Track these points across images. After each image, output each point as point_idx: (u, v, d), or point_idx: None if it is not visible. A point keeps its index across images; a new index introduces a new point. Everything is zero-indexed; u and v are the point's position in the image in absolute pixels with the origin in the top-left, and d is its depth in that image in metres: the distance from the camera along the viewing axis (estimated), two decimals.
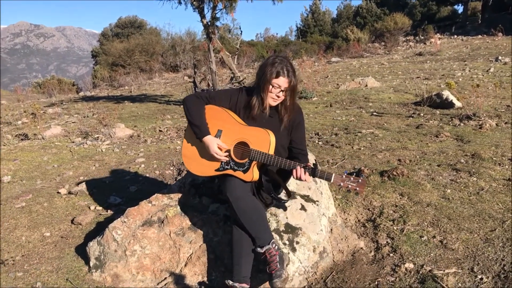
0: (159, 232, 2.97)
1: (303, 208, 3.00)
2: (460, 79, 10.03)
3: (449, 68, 12.24)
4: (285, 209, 2.94)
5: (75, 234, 3.61)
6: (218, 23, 11.69)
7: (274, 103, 2.63)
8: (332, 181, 2.44)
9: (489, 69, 11.03)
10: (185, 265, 2.83)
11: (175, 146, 6.55)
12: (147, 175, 5.09)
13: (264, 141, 2.52)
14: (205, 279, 2.75)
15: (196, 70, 13.10)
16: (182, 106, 2.83)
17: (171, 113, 10.12)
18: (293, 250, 2.74)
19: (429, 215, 3.29)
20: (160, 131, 7.91)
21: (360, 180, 2.41)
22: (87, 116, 10.25)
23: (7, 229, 3.70)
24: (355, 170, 4.36)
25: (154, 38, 27.56)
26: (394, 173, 4.01)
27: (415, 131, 5.87)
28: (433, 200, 3.53)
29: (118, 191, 4.58)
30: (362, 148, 5.25)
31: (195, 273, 2.79)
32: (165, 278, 2.83)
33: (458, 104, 7.19)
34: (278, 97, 2.60)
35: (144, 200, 3.21)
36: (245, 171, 2.55)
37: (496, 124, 5.82)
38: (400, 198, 3.65)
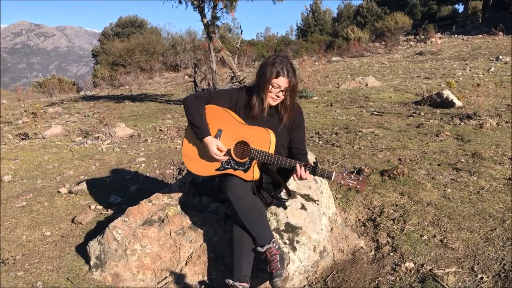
0: (160, 231, 2.97)
1: (303, 207, 3.00)
2: (461, 79, 10.03)
3: (449, 68, 12.23)
4: (285, 208, 2.94)
5: (76, 234, 3.62)
6: (218, 23, 11.71)
7: (274, 103, 2.63)
8: (332, 179, 2.44)
9: (490, 68, 11.02)
10: (186, 264, 2.84)
11: (175, 146, 6.55)
12: (148, 175, 5.10)
13: (264, 140, 2.53)
14: (206, 278, 2.75)
15: (196, 69, 13.10)
16: (182, 105, 2.83)
17: (171, 113, 10.13)
18: (294, 249, 2.74)
19: (429, 214, 3.29)
20: (160, 130, 7.91)
21: (360, 178, 2.41)
22: (88, 116, 10.25)
23: (8, 228, 3.70)
24: (355, 169, 4.35)
25: (154, 37, 27.57)
26: (395, 172, 4.01)
27: (415, 131, 5.87)
28: (433, 199, 3.53)
29: (119, 190, 4.58)
30: (362, 148, 5.25)
31: (196, 272, 2.79)
32: (166, 277, 2.83)
33: (458, 103, 7.18)
34: (278, 97, 2.60)
35: (145, 200, 3.21)
36: (245, 170, 2.55)
37: (497, 124, 5.82)
38: (401, 197, 3.65)
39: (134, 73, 22.10)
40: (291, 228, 2.84)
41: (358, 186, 2.41)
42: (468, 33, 22.78)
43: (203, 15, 11.29)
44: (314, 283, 2.72)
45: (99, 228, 3.55)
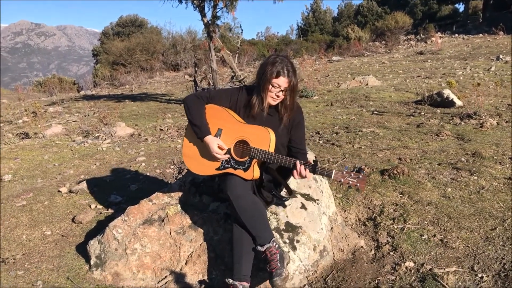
0: (160, 231, 2.97)
1: (303, 206, 3.00)
2: (461, 78, 10.02)
3: (450, 67, 12.22)
4: (285, 207, 2.94)
5: (76, 233, 3.62)
6: (218, 22, 11.71)
7: (274, 103, 2.63)
8: (332, 177, 2.44)
9: (490, 68, 11.01)
10: (186, 264, 2.84)
11: (175, 145, 6.55)
12: (148, 174, 5.10)
13: (264, 139, 2.53)
14: (206, 277, 2.76)
15: (196, 69, 13.10)
16: (182, 105, 2.84)
17: (171, 112, 10.13)
18: (294, 248, 2.74)
19: (429, 213, 3.29)
20: (160, 129, 7.91)
21: (360, 176, 2.41)
22: (88, 115, 10.25)
23: (8, 228, 3.71)
24: (355, 168, 4.36)
25: (155, 37, 27.57)
26: (395, 171, 4.01)
27: (415, 130, 5.86)
28: (433, 198, 3.53)
29: (119, 189, 4.58)
30: (362, 147, 5.24)
31: (196, 272, 2.79)
32: (166, 277, 2.83)
33: (459, 103, 7.18)
34: (278, 96, 2.60)
35: (145, 199, 3.21)
36: (245, 170, 2.55)
37: (497, 123, 5.81)
38: (401, 196, 3.65)
39: (134, 72, 22.11)
40: (291, 228, 2.84)
41: (358, 184, 2.41)
42: (468, 32, 22.76)
43: (203, 15, 11.29)
44: (314, 282, 2.72)
45: (99, 228, 3.55)
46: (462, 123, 6.05)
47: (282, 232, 2.80)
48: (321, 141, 5.80)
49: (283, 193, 2.91)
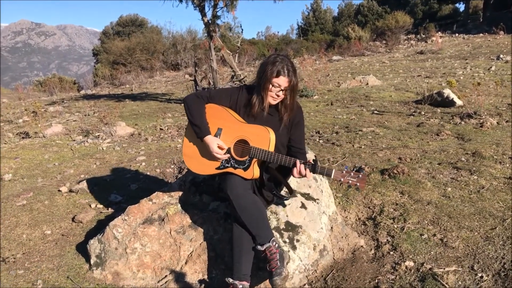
0: (160, 230, 2.97)
1: (303, 206, 3.01)
2: (461, 78, 10.01)
3: (450, 67, 12.22)
4: (284, 206, 2.94)
5: (76, 232, 3.62)
6: (219, 22, 11.71)
7: (274, 102, 2.63)
8: (332, 176, 2.44)
9: (491, 67, 11.01)
10: (186, 263, 2.84)
11: (175, 145, 6.55)
12: (148, 173, 5.10)
13: (264, 139, 2.53)
14: (206, 277, 2.76)
15: (197, 68, 13.10)
16: (182, 104, 2.84)
17: (172, 112, 10.13)
18: (294, 248, 2.74)
19: (429, 213, 3.29)
20: (161, 129, 7.91)
21: (360, 175, 2.41)
22: (88, 115, 10.26)
23: (8, 227, 3.71)
24: (355, 168, 4.36)
25: (155, 36, 27.57)
26: (395, 171, 4.01)
27: (416, 130, 5.86)
28: (433, 198, 3.53)
29: (119, 189, 4.59)
30: (362, 147, 5.24)
31: (196, 271, 2.80)
32: (166, 276, 2.83)
33: (459, 102, 7.18)
34: (278, 96, 2.60)
35: (145, 198, 3.21)
36: (245, 169, 2.55)
37: (497, 123, 5.81)
38: (401, 196, 3.65)
39: (134, 72, 22.12)
40: (291, 227, 2.84)
41: (358, 184, 2.41)
42: (469, 32, 22.74)
43: (203, 14, 11.29)
44: (314, 282, 2.72)
45: (100, 227, 3.55)
46: (462, 122, 6.05)
47: (282, 231, 2.80)
48: (321, 141, 5.80)
49: (284, 192, 2.91)
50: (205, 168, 2.72)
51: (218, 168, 2.65)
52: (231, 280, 2.42)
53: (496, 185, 3.65)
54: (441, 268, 2.60)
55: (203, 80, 12.63)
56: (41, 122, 8.27)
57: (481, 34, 20.88)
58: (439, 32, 23.45)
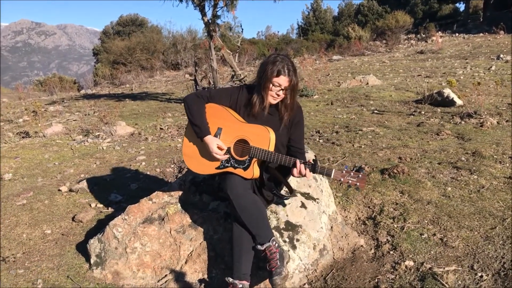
0: (160, 230, 2.97)
1: (303, 205, 3.01)
2: (462, 77, 10.01)
3: (450, 66, 12.21)
4: (284, 205, 2.94)
5: (76, 232, 3.62)
6: (219, 21, 11.71)
7: (274, 102, 2.63)
8: (332, 176, 2.44)
9: (491, 67, 11.01)
10: (186, 263, 2.84)
11: (176, 144, 6.55)
12: (148, 173, 5.10)
13: (264, 138, 2.53)
14: (206, 276, 2.76)
15: (197, 68, 13.10)
16: (183, 104, 2.84)
17: (172, 111, 10.13)
18: (293, 247, 2.74)
19: (429, 213, 3.29)
20: (161, 129, 7.91)
21: (360, 175, 2.41)
22: (88, 114, 10.26)
23: (8, 227, 3.71)
24: (355, 168, 4.36)
25: (155, 36, 27.56)
26: (395, 171, 4.01)
27: (416, 129, 5.86)
28: (433, 198, 3.53)
29: (119, 188, 4.59)
30: (363, 146, 5.24)
31: (196, 271, 2.80)
32: (166, 276, 2.83)
33: (459, 102, 7.18)
34: (278, 95, 2.60)
35: (145, 198, 3.22)
36: (245, 169, 2.55)
37: (497, 122, 5.81)
38: (401, 196, 3.65)
39: (134, 71, 22.12)
40: (291, 227, 2.84)
41: (358, 184, 2.41)
42: (469, 31, 22.74)
43: (203, 14, 11.29)
44: (314, 281, 2.72)
45: (100, 226, 3.55)
46: (462, 122, 6.05)
47: (282, 231, 2.81)
48: (321, 140, 5.80)
49: (284, 192, 2.91)
50: (205, 167, 2.72)
51: (218, 168, 2.65)
52: (231, 279, 2.42)
53: (496, 185, 3.65)
54: (441, 268, 2.60)
55: (203, 79, 12.63)
56: (41, 122, 8.27)
57: (481, 34, 20.87)
58: (439, 32, 23.45)
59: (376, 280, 2.61)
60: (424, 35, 22.75)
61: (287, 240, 2.76)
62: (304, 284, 2.70)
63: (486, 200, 3.39)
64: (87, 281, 2.87)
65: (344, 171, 2.44)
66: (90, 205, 4.19)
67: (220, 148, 2.61)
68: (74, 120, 9.43)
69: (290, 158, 2.51)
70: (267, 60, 2.62)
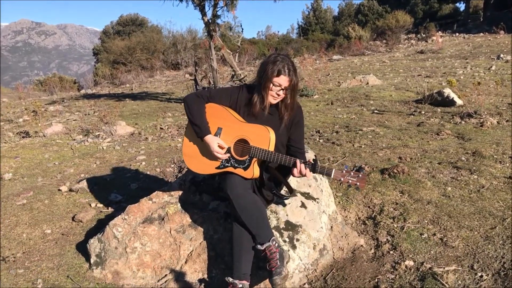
0: (160, 229, 2.97)
1: (303, 205, 3.01)
2: (462, 77, 10.01)
3: (450, 66, 12.21)
4: (284, 205, 2.94)
5: (76, 231, 3.62)
6: (219, 21, 11.70)
7: (274, 101, 2.63)
8: (332, 176, 2.44)
9: (491, 67, 11.00)
10: (186, 262, 2.84)
11: (176, 144, 6.55)
12: (148, 173, 5.10)
13: (264, 138, 2.53)
14: (206, 276, 2.76)
15: (197, 68, 13.10)
16: (183, 104, 2.84)
17: (172, 111, 10.13)
18: (293, 247, 2.74)
19: (429, 212, 3.29)
20: (161, 128, 7.91)
21: (360, 175, 2.41)
22: (88, 114, 10.26)
23: (8, 226, 3.71)
24: (355, 167, 4.36)
25: (155, 35, 27.57)
26: (395, 170, 4.01)
27: (416, 129, 5.86)
28: (433, 197, 3.53)
29: (119, 188, 4.59)
30: (363, 146, 5.24)
31: (196, 270, 2.80)
32: (166, 275, 2.83)
33: (459, 102, 7.18)
34: (279, 95, 2.60)
35: (145, 198, 3.22)
36: (245, 168, 2.55)
37: (497, 122, 5.81)
38: (401, 195, 3.65)
39: (135, 71, 22.12)
40: (291, 226, 2.84)
41: (358, 183, 2.41)
42: (469, 31, 22.74)
43: (203, 14, 11.29)
44: (314, 281, 2.72)
45: (100, 226, 3.55)
46: (463, 122, 6.05)
47: (282, 230, 2.80)
48: (321, 140, 5.79)
49: (283, 191, 2.91)
50: (205, 167, 2.72)
51: (218, 168, 2.65)
52: (231, 279, 2.42)
53: (496, 185, 3.65)
54: (441, 268, 2.60)
55: (203, 79, 12.63)
56: (41, 122, 8.27)
57: (481, 34, 20.88)
58: (440, 32, 23.46)
59: (376, 280, 2.61)
60: (424, 35, 22.75)
61: (287, 240, 2.76)
62: (304, 284, 2.70)
63: (486, 200, 3.39)
64: (87, 281, 2.87)
65: (344, 171, 2.44)
66: (90, 205, 4.19)
67: (221, 147, 2.61)
68: (74, 120, 9.43)
69: (290, 158, 2.51)
70: (268, 60, 2.61)
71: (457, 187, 3.69)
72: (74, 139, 7.22)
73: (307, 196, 3.12)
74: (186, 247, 2.89)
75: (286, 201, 2.95)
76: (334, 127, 6.58)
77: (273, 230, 2.67)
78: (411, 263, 2.71)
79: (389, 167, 4.16)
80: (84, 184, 4.63)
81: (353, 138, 5.63)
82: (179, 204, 3.09)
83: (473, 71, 10.86)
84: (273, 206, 2.93)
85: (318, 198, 3.15)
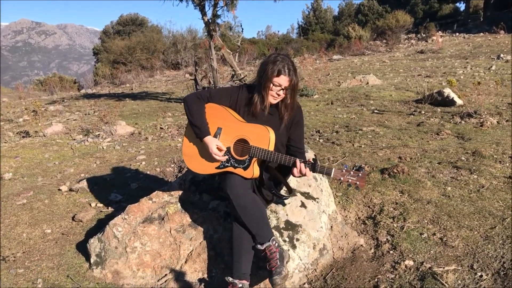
0: (160, 229, 2.97)
1: (303, 205, 3.01)
2: (462, 77, 10.01)
3: (450, 66, 12.21)
4: (284, 205, 2.94)
5: (76, 231, 3.62)
6: (219, 21, 11.71)
7: (274, 101, 2.63)
8: (332, 175, 2.44)
9: (491, 67, 11.00)
10: (186, 262, 2.84)
11: (176, 144, 6.56)
12: (148, 172, 5.10)
13: (264, 138, 2.53)
14: (205, 276, 2.76)
15: (197, 67, 13.10)
16: (183, 104, 2.84)
17: (172, 111, 10.13)
18: (293, 247, 2.74)
19: (429, 212, 3.29)
20: (161, 128, 7.91)
21: (360, 174, 2.41)
22: (88, 114, 10.26)
23: (8, 226, 3.71)
24: (355, 167, 4.35)
25: (155, 35, 27.57)
26: (395, 170, 4.01)
27: (416, 129, 5.86)
28: (433, 197, 3.53)
29: (119, 188, 4.59)
30: (362, 146, 5.24)
31: (196, 270, 2.80)
32: (166, 275, 2.84)
33: (459, 101, 7.18)
34: (279, 95, 2.60)
35: (145, 197, 3.22)
36: (245, 168, 2.55)
37: (497, 122, 5.81)
38: (401, 195, 3.65)
39: (135, 71, 22.12)
40: (290, 226, 2.84)
41: (358, 183, 2.41)
42: (469, 31, 22.74)
43: (203, 13, 11.29)
44: (313, 280, 2.72)
45: (100, 226, 3.55)
46: (463, 122, 6.05)
47: (282, 230, 2.81)
48: (321, 140, 5.80)
49: (283, 191, 2.91)
50: (205, 167, 2.72)
51: (218, 168, 2.65)
52: (230, 279, 2.42)
53: (496, 184, 3.65)
54: (440, 267, 2.60)
55: (203, 79, 12.63)
56: (41, 121, 8.27)
57: (481, 34, 20.88)
58: (440, 32, 23.45)
59: (376, 279, 2.62)
60: (424, 35, 22.75)
61: (287, 239, 2.77)
62: (304, 283, 2.70)
63: (486, 200, 3.39)
64: (87, 281, 2.87)
65: (344, 170, 2.44)
66: (90, 204, 4.19)
67: (219, 149, 2.61)
68: (74, 120, 9.44)
69: (290, 158, 2.51)
70: (268, 59, 2.61)
71: (457, 187, 3.69)
72: (74, 139, 7.22)
73: (307, 195, 3.12)
74: (186, 247, 2.89)
75: (286, 201, 2.95)
76: (334, 127, 6.58)
77: (273, 230, 2.67)
78: (411, 262, 2.71)
79: (389, 166, 4.16)
80: (84, 183, 4.63)
81: (353, 138, 5.63)
82: (179, 204, 3.09)
83: (473, 71, 10.86)
84: (273, 205, 2.93)
85: (318, 198, 3.15)
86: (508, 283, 2.36)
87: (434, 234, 3.00)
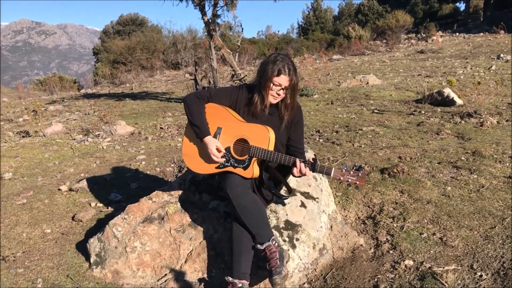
0: (160, 229, 2.97)
1: (303, 205, 3.01)
2: (462, 77, 10.01)
3: (450, 66, 12.21)
4: (284, 205, 2.94)
5: (76, 231, 3.62)
6: (219, 21, 11.72)
7: (274, 101, 2.63)
8: (332, 175, 2.44)
9: (491, 66, 11.00)
10: (185, 262, 2.84)
11: (175, 143, 6.55)
12: (148, 172, 5.10)
13: (264, 138, 2.53)
14: (205, 275, 2.76)
15: (197, 67, 13.10)
16: (183, 104, 2.84)
17: (172, 111, 10.13)
18: (293, 247, 2.74)
19: (429, 212, 3.29)
20: (161, 128, 7.91)
21: (360, 174, 2.41)
22: (88, 114, 10.26)
23: (8, 226, 3.71)
24: (355, 167, 4.35)
25: (155, 35, 27.58)
26: (395, 170, 4.01)
27: (416, 129, 5.86)
28: (433, 197, 3.53)
29: (119, 188, 4.59)
30: (362, 146, 5.24)
31: (195, 270, 2.80)
32: (165, 275, 2.84)
33: (459, 101, 7.18)
34: (279, 95, 2.60)
35: (145, 197, 3.22)
36: (245, 168, 2.55)
37: (497, 122, 5.81)
38: (400, 195, 3.65)
39: (135, 71, 22.11)
40: (290, 226, 2.84)
41: (358, 182, 2.41)
42: (469, 31, 22.74)
43: (203, 13, 11.29)
44: (313, 280, 2.72)
45: (99, 226, 3.55)
46: (462, 122, 6.05)
47: (282, 230, 2.81)
48: (321, 140, 5.79)
49: (283, 191, 2.92)
50: (205, 167, 2.72)
51: (218, 168, 2.65)
52: (230, 278, 2.42)
53: (495, 184, 3.66)
54: (440, 267, 2.60)
55: (203, 79, 12.63)
56: (41, 121, 8.27)
57: (481, 34, 20.88)
58: (440, 32, 23.46)
59: (375, 279, 2.61)
60: (424, 35, 22.75)
61: (286, 239, 2.76)
62: (304, 283, 2.70)
63: (486, 200, 3.39)
64: (86, 280, 2.87)
65: (343, 170, 2.44)
66: (90, 204, 4.19)
67: (218, 150, 2.61)
68: (74, 120, 9.44)
69: (290, 157, 2.51)
70: (268, 59, 2.61)
71: (456, 187, 3.69)
72: (74, 139, 7.22)
73: (307, 195, 3.12)
74: (186, 247, 2.89)
75: (285, 201, 2.95)
76: (334, 126, 6.58)
77: (273, 230, 2.67)
78: (411, 262, 2.71)
79: (389, 166, 4.16)
80: (84, 183, 4.63)
81: (353, 138, 5.63)
82: (179, 204, 3.09)
83: (473, 71, 10.86)
84: (272, 205, 2.93)
85: (317, 198, 3.15)
86: (508, 283, 2.36)
87: (434, 234, 3.00)
